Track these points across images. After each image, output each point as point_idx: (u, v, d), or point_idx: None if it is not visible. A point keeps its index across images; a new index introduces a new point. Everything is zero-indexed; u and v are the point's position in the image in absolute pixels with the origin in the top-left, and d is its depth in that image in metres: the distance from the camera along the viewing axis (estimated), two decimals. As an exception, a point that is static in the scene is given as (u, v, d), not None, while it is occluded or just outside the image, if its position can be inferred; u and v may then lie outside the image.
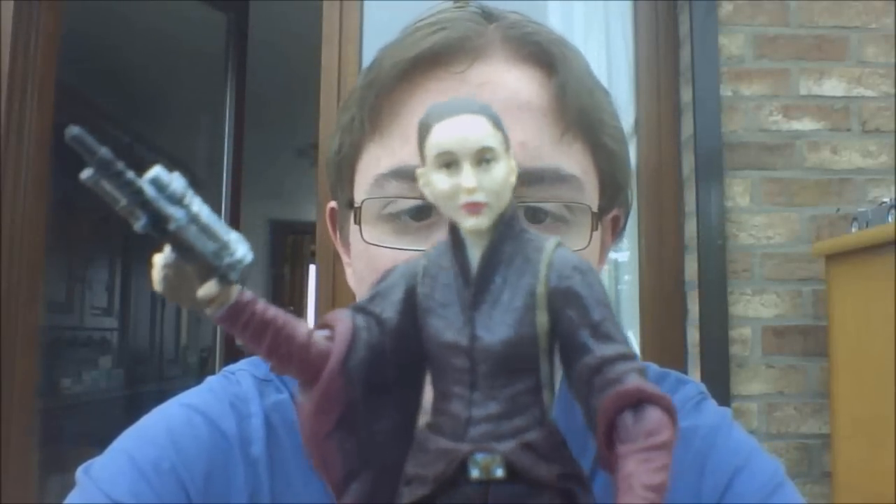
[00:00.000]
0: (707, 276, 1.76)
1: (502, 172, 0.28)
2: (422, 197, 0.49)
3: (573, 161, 0.52)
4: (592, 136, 0.54)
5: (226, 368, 0.60)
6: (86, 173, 0.25)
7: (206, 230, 0.26)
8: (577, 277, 0.28)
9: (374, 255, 0.51)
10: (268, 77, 3.36)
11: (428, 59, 0.51)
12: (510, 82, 0.51)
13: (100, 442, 0.57)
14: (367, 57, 0.56)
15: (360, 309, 0.31)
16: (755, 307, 1.77)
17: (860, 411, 1.55)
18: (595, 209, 0.53)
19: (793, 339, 1.76)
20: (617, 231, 0.61)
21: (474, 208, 0.28)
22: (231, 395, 0.57)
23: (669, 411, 0.25)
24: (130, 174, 0.25)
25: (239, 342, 0.29)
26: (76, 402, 3.20)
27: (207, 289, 0.27)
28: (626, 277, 1.96)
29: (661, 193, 1.89)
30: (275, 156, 4.51)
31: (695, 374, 1.76)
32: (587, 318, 0.27)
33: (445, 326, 0.29)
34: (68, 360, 3.22)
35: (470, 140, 0.28)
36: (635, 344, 1.90)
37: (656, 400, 0.25)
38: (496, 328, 0.28)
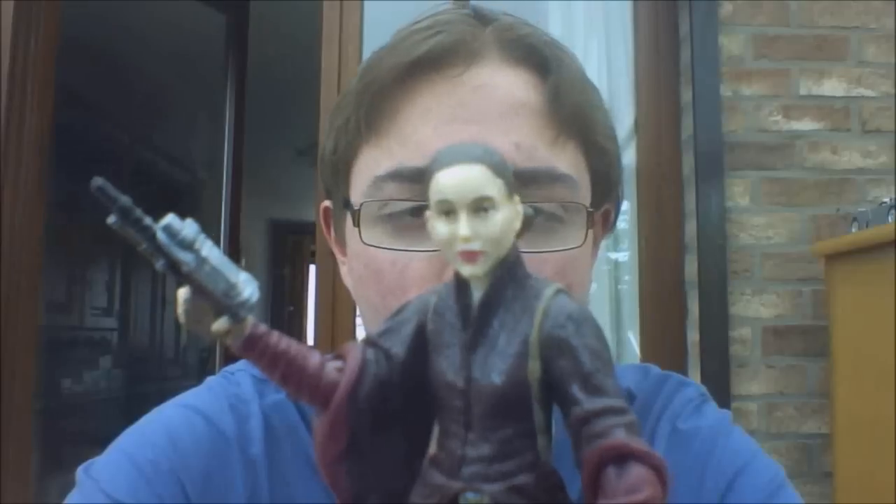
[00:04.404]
0: (707, 276, 1.76)
1: (501, 220, 0.29)
2: (419, 198, 0.49)
3: (567, 161, 0.53)
4: (586, 136, 0.54)
5: (225, 369, 0.60)
6: (111, 219, 0.27)
7: (216, 272, 0.29)
8: (571, 327, 0.28)
9: (372, 257, 0.52)
10: (268, 77, 3.35)
11: (424, 63, 0.51)
12: (505, 84, 0.52)
13: (100, 442, 0.57)
14: (367, 56, 0.57)
15: (372, 343, 0.32)
16: (755, 307, 1.77)
17: (860, 411, 1.55)
18: (589, 207, 0.54)
19: (793, 339, 1.76)
20: (608, 225, 0.62)
21: (470, 256, 0.29)
22: (230, 395, 0.57)
23: (657, 469, 0.25)
24: (147, 221, 0.28)
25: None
26: (76, 402, 3.20)
27: (220, 324, 0.29)
28: (626, 277, 1.96)
29: (661, 193, 1.89)
30: (275, 156, 4.51)
31: (695, 374, 1.76)
32: (578, 369, 0.27)
33: (447, 366, 0.30)
34: (68, 360, 3.22)
35: (467, 189, 0.28)
36: (635, 344, 1.90)
37: (641, 456, 0.25)
38: (490, 372, 0.29)
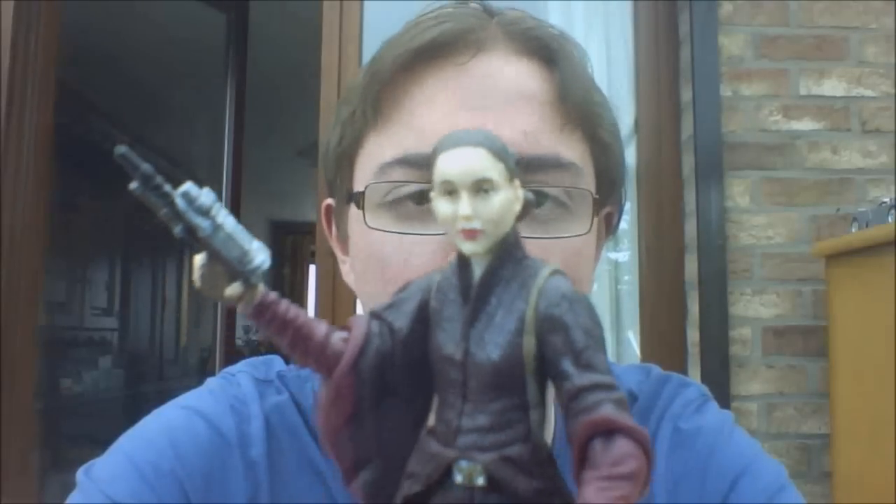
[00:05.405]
0: (707, 276, 1.76)
1: (500, 201, 0.30)
2: (424, 181, 0.49)
3: (572, 150, 0.53)
4: (590, 130, 0.55)
5: (225, 370, 0.60)
6: (133, 185, 0.29)
7: (230, 238, 0.31)
8: (565, 305, 0.29)
9: (376, 242, 0.52)
10: (268, 77, 3.35)
11: (430, 50, 0.52)
12: (512, 74, 0.52)
13: (100, 442, 0.57)
14: (367, 56, 0.57)
15: (377, 316, 0.33)
16: (755, 307, 1.77)
17: (860, 411, 1.55)
18: (595, 195, 0.54)
19: (793, 339, 1.76)
20: (610, 228, 0.62)
21: (470, 234, 0.30)
22: (231, 396, 0.56)
23: (642, 443, 0.26)
24: (167, 187, 0.29)
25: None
26: (76, 402, 3.21)
27: (233, 289, 0.31)
28: (626, 277, 1.96)
29: (661, 193, 1.89)
30: (275, 156, 4.51)
31: (695, 374, 1.76)
32: (570, 346, 0.28)
33: (446, 340, 0.31)
34: (68, 360, 3.22)
35: (468, 171, 0.30)
36: (635, 344, 1.90)
37: (627, 431, 0.26)
38: (487, 346, 0.30)
